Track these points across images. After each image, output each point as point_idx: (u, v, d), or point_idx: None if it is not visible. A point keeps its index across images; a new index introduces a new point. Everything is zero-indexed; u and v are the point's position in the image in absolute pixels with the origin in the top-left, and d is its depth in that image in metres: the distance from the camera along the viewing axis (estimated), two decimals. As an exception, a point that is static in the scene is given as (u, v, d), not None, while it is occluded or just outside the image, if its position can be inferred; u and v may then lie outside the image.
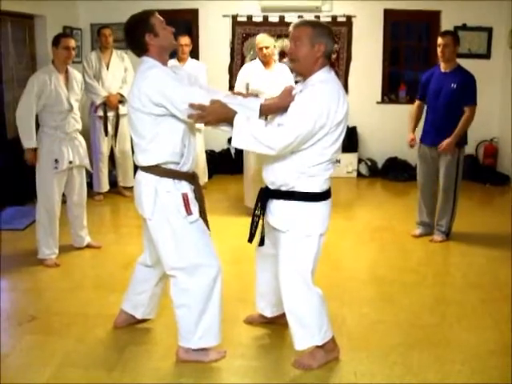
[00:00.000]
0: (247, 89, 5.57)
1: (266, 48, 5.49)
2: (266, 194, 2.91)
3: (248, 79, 5.59)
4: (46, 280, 4.17)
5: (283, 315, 3.05)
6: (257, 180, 5.67)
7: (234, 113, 2.72)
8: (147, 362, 3.03)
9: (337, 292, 3.89)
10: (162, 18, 2.86)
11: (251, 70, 5.64)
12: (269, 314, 3.35)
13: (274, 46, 5.65)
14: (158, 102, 2.71)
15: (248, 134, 2.68)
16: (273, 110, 2.85)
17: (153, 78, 2.73)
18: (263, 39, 5.54)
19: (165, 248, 2.92)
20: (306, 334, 2.93)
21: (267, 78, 5.51)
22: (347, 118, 2.79)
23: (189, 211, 2.85)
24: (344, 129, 2.80)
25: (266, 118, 2.91)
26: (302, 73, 2.87)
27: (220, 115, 2.74)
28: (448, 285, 4.23)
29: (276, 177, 2.82)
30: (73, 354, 3.10)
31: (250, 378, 2.91)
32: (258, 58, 5.67)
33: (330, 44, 2.77)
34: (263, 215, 2.95)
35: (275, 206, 2.88)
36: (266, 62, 5.59)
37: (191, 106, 2.70)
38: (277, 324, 3.35)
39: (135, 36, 2.82)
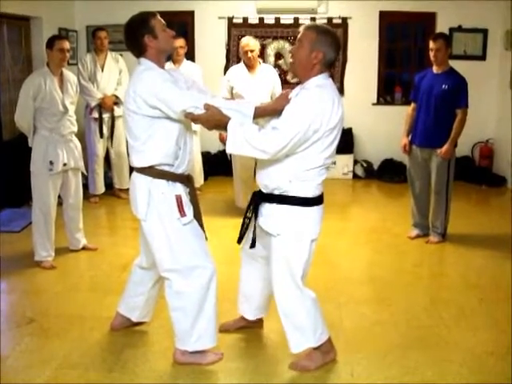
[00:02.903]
0: (231, 92, 5.56)
1: (252, 51, 5.46)
2: (259, 198, 2.91)
3: (232, 83, 5.57)
4: (43, 282, 4.16)
5: (262, 320, 3.15)
6: (248, 185, 5.68)
7: (228, 119, 2.72)
8: (145, 364, 3.02)
9: (333, 293, 3.89)
10: (163, 21, 2.85)
11: (235, 74, 5.62)
12: (251, 316, 3.31)
13: (259, 49, 5.61)
14: (152, 105, 2.71)
15: (242, 139, 2.67)
16: (268, 112, 2.85)
17: (148, 80, 2.72)
18: (248, 42, 5.49)
19: (159, 250, 2.91)
20: (300, 337, 2.93)
21: (250, 82, 5.49)
22: (342, 123, 2.79)
23: (182, 213, 2.84)
24: (338, 134, 2.79)
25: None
26: (297, 74, 2.87)
27: (215, 122, 2.75)
28: (445, 285, 4.23)
29: (269, 180, 2.82)
30: (71, 356, 3.10)
31: (248, 379, 2.90)
32: (242, 61, 5.64)
33: (330, 53, 2.75)
34: (255, 218, 2.93)
35: (267, 209, 2.87)
36: (250, 66, 5.56)
37: (187, 116, 2.72)
38: (256, 328, 3.34)
39: (134, 37, 2.81)
